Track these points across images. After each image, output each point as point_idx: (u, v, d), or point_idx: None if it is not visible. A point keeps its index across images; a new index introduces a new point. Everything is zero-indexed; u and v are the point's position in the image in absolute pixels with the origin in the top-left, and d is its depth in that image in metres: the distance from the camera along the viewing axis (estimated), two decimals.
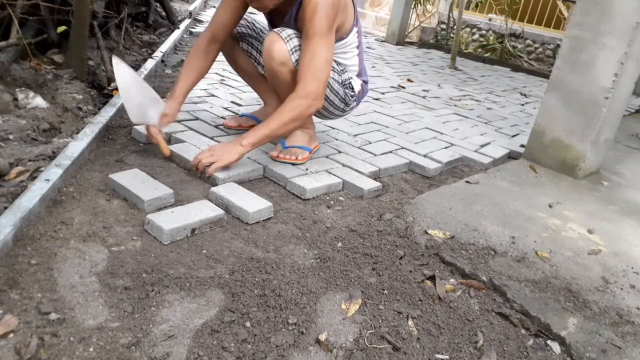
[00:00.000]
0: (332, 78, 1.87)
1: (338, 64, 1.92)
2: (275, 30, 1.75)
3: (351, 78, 1.96)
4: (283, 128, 1.70)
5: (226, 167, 1.70)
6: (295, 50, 1.74)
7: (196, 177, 1.72)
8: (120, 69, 1.73)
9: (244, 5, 1.86)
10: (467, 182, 2.04)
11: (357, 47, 1.96)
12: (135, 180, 1.55)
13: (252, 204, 1.54)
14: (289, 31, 1.74)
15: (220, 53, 1.99)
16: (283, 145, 1.94)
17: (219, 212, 1.46)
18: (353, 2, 1.86)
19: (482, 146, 2.53)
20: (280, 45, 1.71)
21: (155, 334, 1.03)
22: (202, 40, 1.89)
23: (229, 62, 2.13)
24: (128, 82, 1.74)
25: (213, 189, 1.60)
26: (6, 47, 2.18)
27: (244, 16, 1.98)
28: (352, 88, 1.96)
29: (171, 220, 1.37)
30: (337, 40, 1.86)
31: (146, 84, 1.81)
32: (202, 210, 1.45)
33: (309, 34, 1.67)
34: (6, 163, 1.53)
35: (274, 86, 1.91)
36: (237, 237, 1.43)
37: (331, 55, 1.72)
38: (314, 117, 2.02)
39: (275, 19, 1.91)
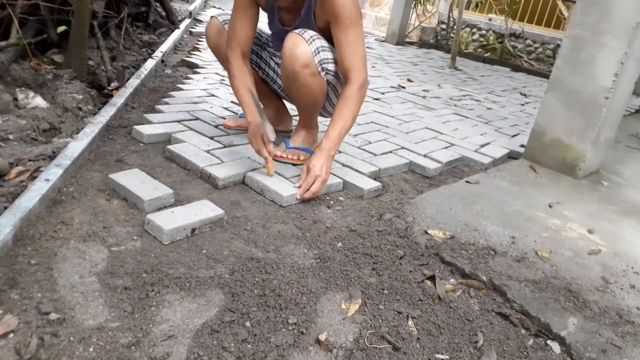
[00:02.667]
0: (338, 80, 1.85)
1: None
2: (296, 31, 1.72)
3: None
4: (354, 120, 1.75)
5: None
6: (318, 52, 1.71)
7: (196, 178, 1.72)
8: None
9: (257, 11, 1.84)
10: (467, 182, 2.05)
11: None
12: (135, 180, 1.55)
13: (286, 188, 1.67)
14: (311, 32, 1.72)
15: (215, 58, 1.96)
16: (287, 144, 1.94)
17: (219, 212, 1.46)
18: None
19: (482, 146, 2.53)
20: (304, 46, 1.69)
21: (155, 334, 1.03)
22: (236, 62, 1.83)
23: (225, 67, 2.10)
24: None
25: (250, 173, 1.74)
26: (6, 47, 2.18)
27: None
28: None
29: (171, 220, 1.37)
30: None
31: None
32: (202, 210, 1.45)
33: (345, 24, 1.67)
34: (6, 163, 1.53)
35: (288, 89, 1.85)
36: (237, 237, 1.43)
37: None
38: (319, 117, 2.02)
39: (284, 17, 1.86)
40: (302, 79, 1.74)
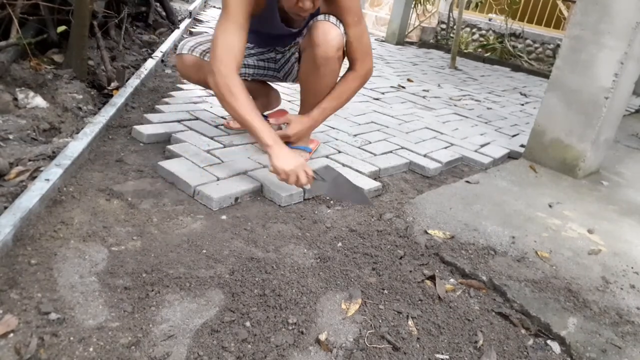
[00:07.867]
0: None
1: None
2: (321, 18, 1.72)
3: None
4: (344, 105, 1.89)
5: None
6: (343, 36, 1.75)
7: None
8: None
9: (248, 24, 1.66)
10: (467, 182, 2.05)
11: None
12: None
13: (286, 188, 1.67)
14: (334, 18, 1.73)
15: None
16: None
17: (256, 184, 1.68)
18: None
19: (482, 146, 2.53)
20: (336, 30, 1.71)
21: (155, 334, 1.03)
22: (234, 79, 1.59)
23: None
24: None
25: (250, 173, 1.75)
26: (6, 47, 2.18)
27: None
28: None
29: (218, 191, 1.57)
30: None
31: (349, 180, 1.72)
32: (242, 183, 1.66)
33: (354, 20, 1.75)
34: (6, 163, 1.53)
35: (311, 76, 1.79)
36: (237, 237, 1.43)
37: None
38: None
39: (293, 19, 1.80)
40: (332, 65, 1.76)
